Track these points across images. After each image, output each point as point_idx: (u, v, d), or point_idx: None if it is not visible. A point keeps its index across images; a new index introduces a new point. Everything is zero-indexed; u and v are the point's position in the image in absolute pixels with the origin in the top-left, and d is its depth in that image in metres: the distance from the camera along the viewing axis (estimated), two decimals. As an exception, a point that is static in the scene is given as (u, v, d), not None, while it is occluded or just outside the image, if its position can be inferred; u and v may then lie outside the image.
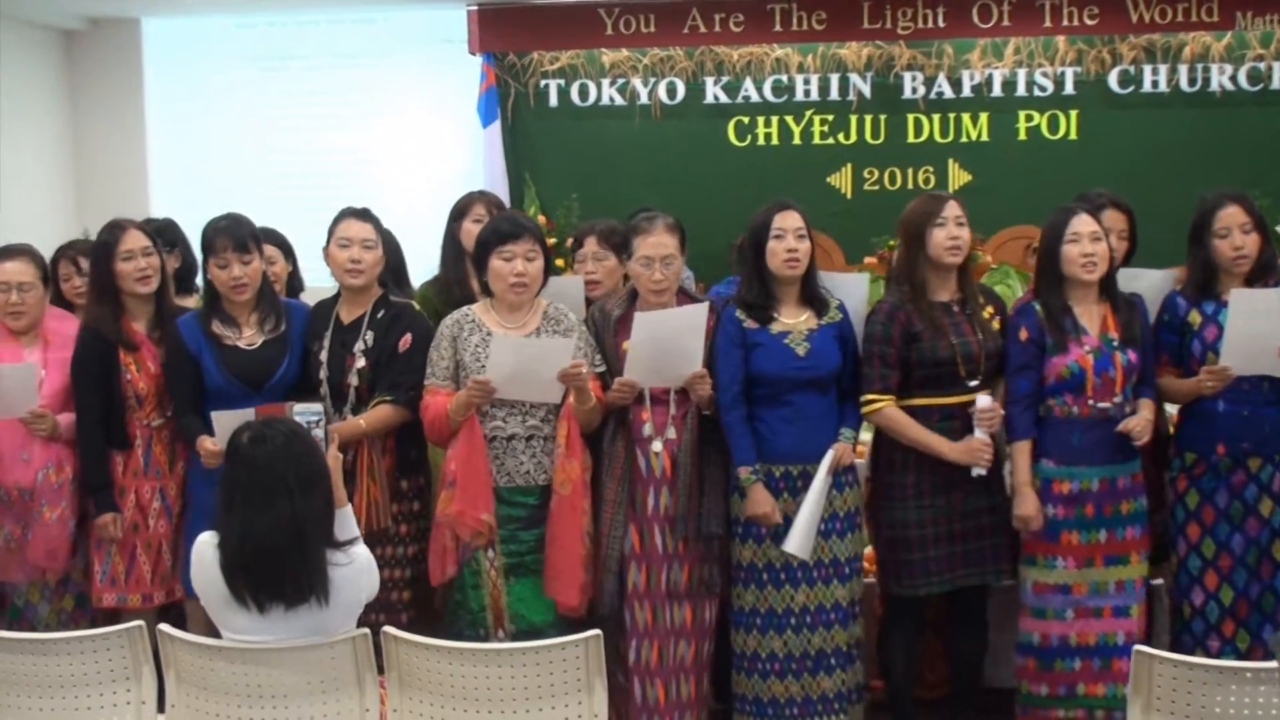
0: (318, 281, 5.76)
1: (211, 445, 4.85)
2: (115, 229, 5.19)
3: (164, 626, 3.91)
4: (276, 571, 3.68)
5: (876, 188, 8.36)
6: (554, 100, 8.59)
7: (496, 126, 8.43)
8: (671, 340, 4.75)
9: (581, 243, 5.74)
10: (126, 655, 3.95)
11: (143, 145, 8.93)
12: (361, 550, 3.86)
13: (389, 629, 3.88)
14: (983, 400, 4.84)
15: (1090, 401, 4.88)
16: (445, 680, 3.82)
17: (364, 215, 5.11)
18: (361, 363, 4.99)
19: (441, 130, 8.68)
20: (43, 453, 5.17)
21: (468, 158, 8.52)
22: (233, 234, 4.97)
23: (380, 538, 4.94)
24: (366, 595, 3.89)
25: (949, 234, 4.91)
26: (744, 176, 8.30)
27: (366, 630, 3.81)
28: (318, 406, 4.54)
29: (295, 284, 6.04)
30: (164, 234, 5.70)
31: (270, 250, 5.53)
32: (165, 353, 5.09)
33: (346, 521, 3.91)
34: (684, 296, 5.05)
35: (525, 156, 8.54)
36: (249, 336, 5.05)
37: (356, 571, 3.83)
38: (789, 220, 4.93)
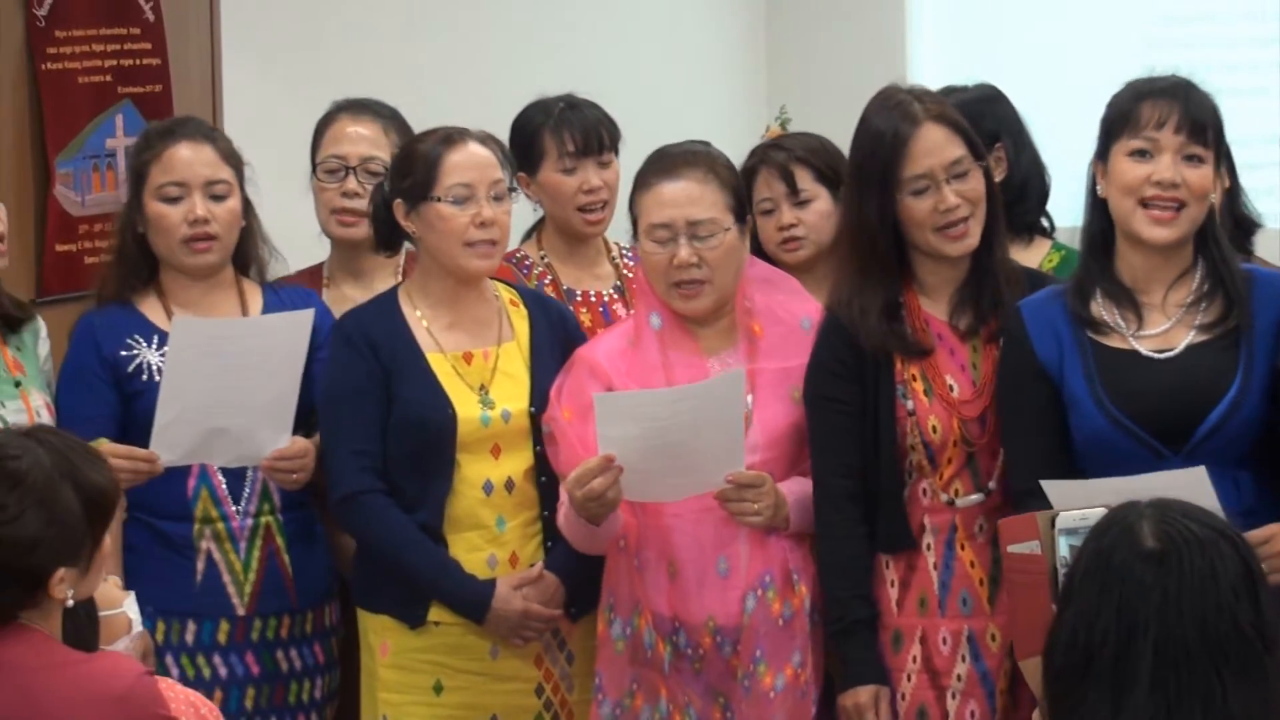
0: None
1: None
2: (900, 113, 3.62)
3: None
4: None
5: None
6: None
7: None
8: None
9: None
10: None
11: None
12: None
13: None
14: None
15: None
16: None
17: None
18: None
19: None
20: (757, 557, 3.70)
21: None
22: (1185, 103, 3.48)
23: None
24: None
25: None
26: None
27: None
28: (1098, 513, 3.05)
29: None
30: (978, 118, 3.89)
31: None
32: (1000, 359, 3.76)
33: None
34: None
35: None
36: (1165, 334, 3.63)
37: None
38: None
